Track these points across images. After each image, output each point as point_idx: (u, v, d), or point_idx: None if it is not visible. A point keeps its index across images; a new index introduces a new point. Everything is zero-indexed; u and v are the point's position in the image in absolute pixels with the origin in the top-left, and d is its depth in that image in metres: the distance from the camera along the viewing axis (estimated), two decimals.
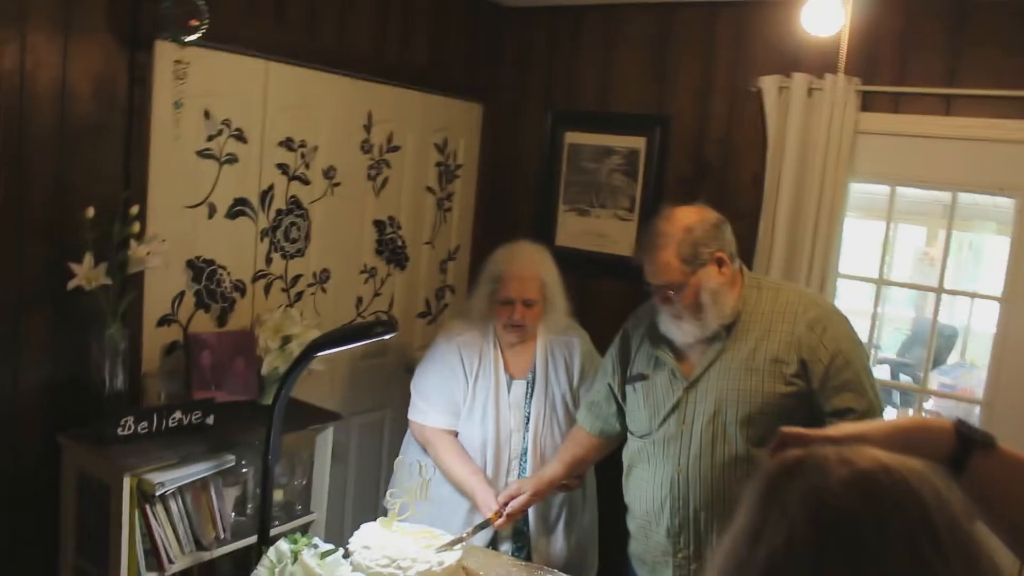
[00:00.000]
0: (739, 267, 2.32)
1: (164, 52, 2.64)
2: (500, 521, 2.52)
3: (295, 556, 1.98)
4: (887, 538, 0.75)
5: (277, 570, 1.95)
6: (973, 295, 4.76)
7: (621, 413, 2.52)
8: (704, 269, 2.20)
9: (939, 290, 3.28)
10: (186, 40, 2.54)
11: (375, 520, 2.50)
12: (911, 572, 0.74)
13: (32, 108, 2.40)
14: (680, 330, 2.27)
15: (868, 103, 3.15)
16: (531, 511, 2.72)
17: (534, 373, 2.79)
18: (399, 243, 3.69)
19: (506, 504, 2.53)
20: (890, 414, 5.93)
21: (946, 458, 1.05)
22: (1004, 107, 2.94)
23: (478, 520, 2.63)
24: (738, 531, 0.82)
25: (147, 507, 2.49)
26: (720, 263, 2.23)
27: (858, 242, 3.49)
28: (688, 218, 2.23)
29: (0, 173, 2.35)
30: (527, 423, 2.78)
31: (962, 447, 1.06)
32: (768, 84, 3.27)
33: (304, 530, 2.98)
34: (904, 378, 6.54)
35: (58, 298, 2.50)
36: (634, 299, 3.35)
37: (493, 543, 2.74)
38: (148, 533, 2.51)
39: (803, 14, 1.83)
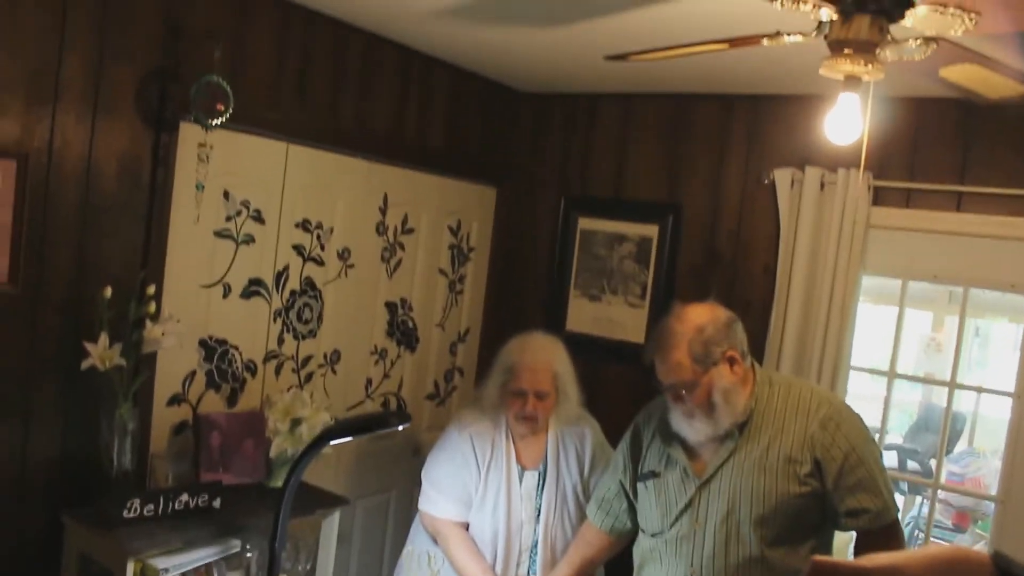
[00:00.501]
0: (751, 364, 2.31)
1: (188, 134, 2.68)
2: None
3: None
4: None
5: None
6: (986, 391, 4.73)
7: (632, 510, 2.49)
8: (716, 368, 2.19)
9: (952, 385, 3.27)
10: (212, 124, 2.58)
11: None
12: None
13: (58, 185, 2.44)
14: (692, 428, 2.25)
15: (880, 198, 3.19)
16: None
17: (545, 464, 2.77)
18: (410, 325, 3.70)
19: None
20: (898, 502, 5.85)
21: None
22: (1015, 205, 2.98)
23: None
24: None
25: None
26: (732, 362, 2.22)
27: (866, 327, 3.49)
28: (700, 317, 2.23)
29: (22, 248, 2.37)
30: (538, 515, 2.74)
31: None
32: (781, 176, 3.32)
33: None
34: (911, 465, 6.46)
35: (70, 374, 2.50)
36: (644, 386, 3.34)
37: None
38: None
39: (825, 123, 1.87)
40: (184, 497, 2.60)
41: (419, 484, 2.88)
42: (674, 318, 2.26)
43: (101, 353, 2.44)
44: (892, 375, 3.37)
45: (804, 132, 3.22)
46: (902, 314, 3.30)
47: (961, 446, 6.74)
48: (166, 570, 2.45)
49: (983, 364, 7.24)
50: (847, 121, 1.83)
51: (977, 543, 5.17)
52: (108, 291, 2.46)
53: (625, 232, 3.77)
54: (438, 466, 2.80)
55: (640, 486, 2.42)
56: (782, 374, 2.42)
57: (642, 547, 2.43)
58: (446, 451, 2.80)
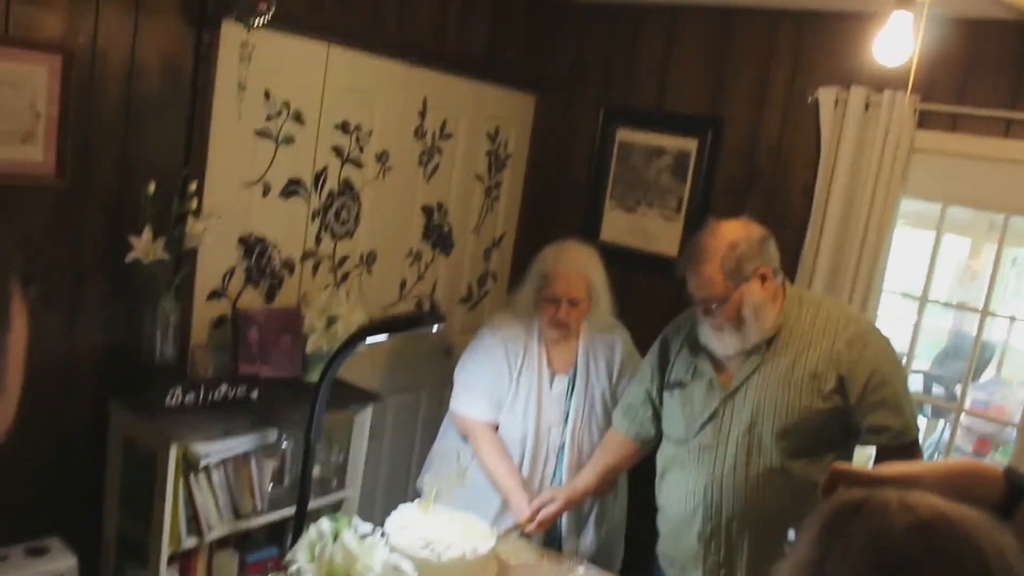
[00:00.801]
0: (781, 281, 2.34)
1: (230, 33, 2.69)
2: (531, 527, 2.57)
3: (335, 535, 2.04)
4: None
5: (317, 548, 2.00)
6: (1018, 319, 4.69)
7: (656, 418, 2.56)
8: (747, 284, 2.23)
9: (984, 312, 3.26)
10: (254, 23, 2.58)
11: (407, 499, 2.56)
12: None
13: (102, 82, 2.48)
14: (721, 342, 2.30)
15: (925, 121, 3.13)
16: None
17: (575, 370, 2.83)
18: (446, 229, 3.74)
19: (538, 511, 2.57)
20: (920, 425, 5.89)
21: (996, 503, 1.07)
22: None
23: (511, 513, 2.71)
24: (800, 563, 0.84)
25: (191, 476, 2.58)
26: (763, 278, 2.25)
27: (901, 251, 3.47)
28: (733, 233, 2.25)
29: (68, 143, 2.42)
30: (566, 418, 2.82)
31: (1011, 495, 1.08)
32: (825, 95, 3.26)
33: (338, 506, 3.06)
34: (937, 390, 6.49)
35: (115, 268, 2.58)
36: (676, 297, 3.34)
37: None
38: (190, 501, 2.59)
39: (874, 43, 1.84)
40: (223, 388, 2.70)
41: (450, 384, 2.95)
42: (708, 233, 2.28)
43: (145, 246, 2.51)
44: (925, 300, 3.37)
45: (851, 51, 3.15)
46: (939, 239, 3.27)
47: (989, 374, 6.73)
48: (206, 455, 2.57)
49: (1018, 294, 7.15)
50: (897, 41, 1.80)
51: None
52: (152, 187, 2.52)
53: (664, 145, 3.74)
54: (471, 368, 2.86)
55: (667, 395, 2.48)
56: (813, 292, 2.45)
57: (666, 454, 2.50)
58: (479, 353, 2.86)
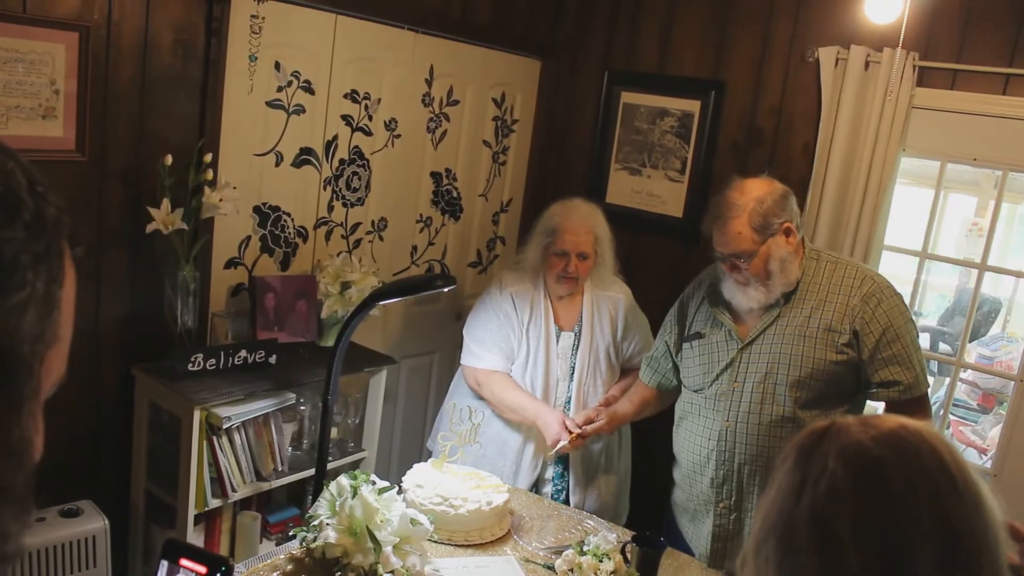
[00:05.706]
0: (802, 237, 2.41)
1: (240, 5, 2.74)
2: (577, 441, 2.64)
3: (354, 491, 2.12)
4: (913, 479, 0.90)
5: (338, 503, 2.09)
6: (1018, 274, 4.73)
7: (677, 369, 2.65)
8: (773, 239, 2.30)
9: (982, 267, 3.32)
10: None
11: (420, 459, 2.63)
12: (931, 508, 0.89)
13: (117, 56, 2.53)
14: (746, 296, 2.37)
15: (924, 78, 3.17)
16: (571, 458, 2.86)
17: (580, 326, 2.91)
18: (454, 194, 3.80)
19: (584, 425, 2.65)
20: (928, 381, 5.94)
21: None
22: None
23: (527, 461, 2.85)
24: (781, 488, 0.96)
25: (214, 439, 2.67)
26: (788, 233, 2.32)
27: (906, 209, 3.52)
28: (759, 189, 2.32)
29: (87, 118, 2.48)
30: (572, 373, 2.90)
31: None
32: (825, 55, 3.30)
33: (355, 466, 3.15)
34: (943, 347, 6.55)
35: (136, 239, 2.65)
36: (680, 258, 3.40)
37: (535, 487, 2.88)
38: (214, 463, 2.69)
39: (865, 2, 1.88)
40: (243, 353, 2.79)
41: (460, 345, 3.02)
42: (734, 190, 2.35)
43: (164, 217, 2.58)
44: (924, 256, 3.42)
45: (850, 11, 3.18)
46: (938, 195, 3.32)
47: (995, 330, 6.79)
48: (229, 418, 2.66)
49: (1022, 250, 7.19)
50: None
51: (998, 423, 5.29)
52: (168, 159, 2.58)
53: (667, 107, 3.78)
54: (481, 323, 2.93)
55: (686, 346, 2.57)
56: (830, 251, 2.54)
57: (683, 402, 2.60)
58: (488, 309, 2.92)
